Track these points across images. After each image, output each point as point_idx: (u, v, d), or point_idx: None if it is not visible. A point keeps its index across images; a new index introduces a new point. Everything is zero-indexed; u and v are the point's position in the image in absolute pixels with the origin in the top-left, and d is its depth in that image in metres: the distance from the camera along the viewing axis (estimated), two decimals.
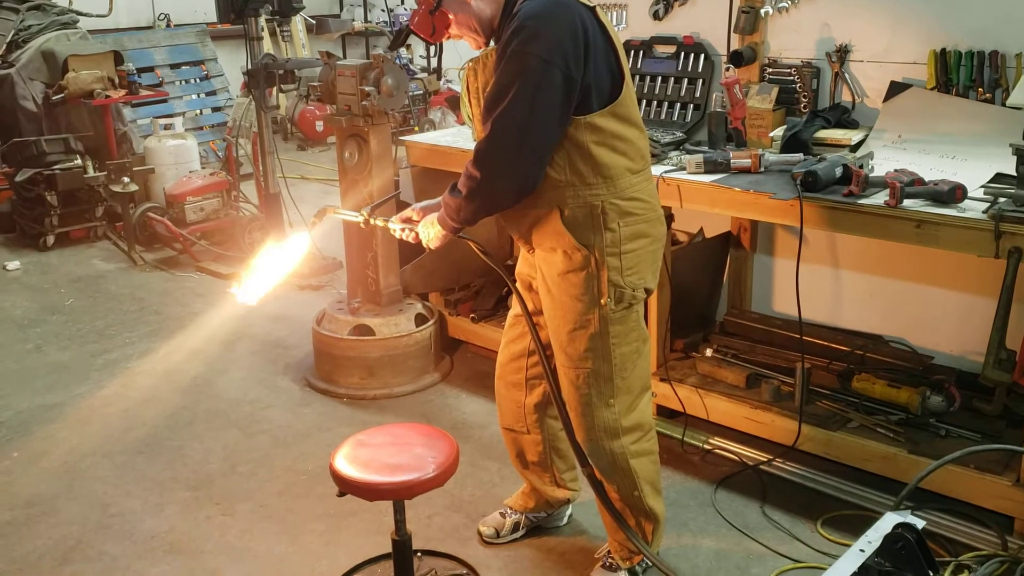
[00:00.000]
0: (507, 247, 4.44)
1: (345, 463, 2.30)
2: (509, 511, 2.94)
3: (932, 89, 3.17)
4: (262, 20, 5.64)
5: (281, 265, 2.77)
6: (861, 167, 2.86)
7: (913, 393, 3.07)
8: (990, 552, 2.67)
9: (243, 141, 6.41)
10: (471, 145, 2.36)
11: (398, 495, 2.30)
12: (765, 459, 3.24)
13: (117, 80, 6.31)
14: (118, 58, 6.48)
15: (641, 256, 2.37)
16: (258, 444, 3.56)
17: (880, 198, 2.72)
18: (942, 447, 2.90)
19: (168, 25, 9.11)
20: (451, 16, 2.37)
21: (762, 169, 3.11)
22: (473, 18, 2.34)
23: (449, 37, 2.45)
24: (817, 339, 3.52)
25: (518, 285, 2.64)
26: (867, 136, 3.23)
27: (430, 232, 2.49)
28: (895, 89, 3.24)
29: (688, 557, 2.79)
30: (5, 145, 6.20)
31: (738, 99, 3.39)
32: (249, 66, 5.31)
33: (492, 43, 2.40)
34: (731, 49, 3.65)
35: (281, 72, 5.27)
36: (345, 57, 9.10)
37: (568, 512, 2.99)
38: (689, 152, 3.33)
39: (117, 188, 5.79)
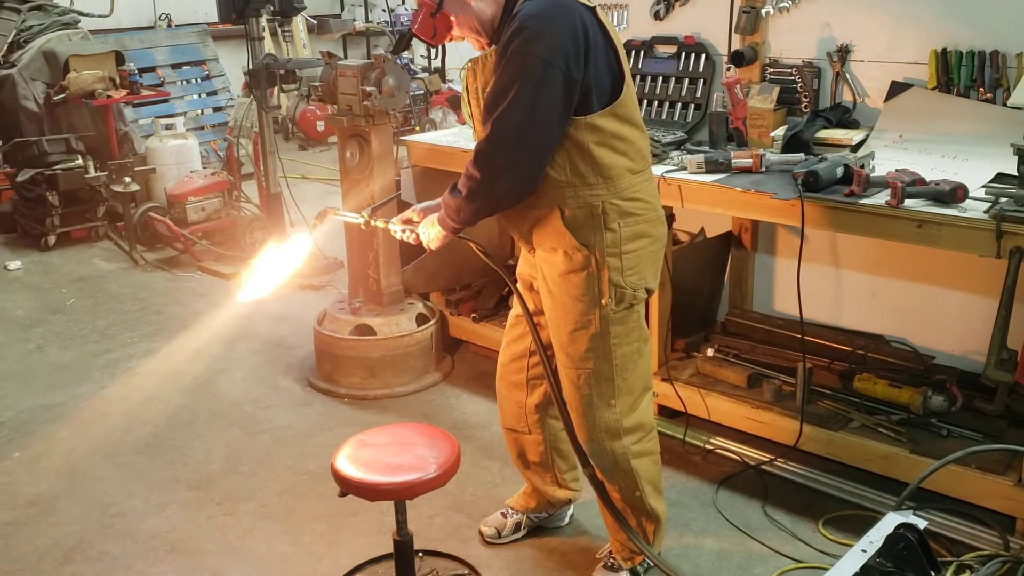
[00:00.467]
0: (508, 247, 4.44)
1: (346, 463, 2.30)
2: (510, 511, 2.94)
3: (933, 89, 3.17)
4: (263, 20, 5.65)
5: (283, 265, 2.78)
6: (862, 167, 2.85)
7: (915, 393, 3.06)
8: (992, 552, 2.66)
9: (244, 141, 6.42)
10: (472, 145, 2.35)
11: (399, 495, 2.30)
12: (766, 459, 3.24)
13: (118, 80, 6.31)
14: (119, 58, 6.48)
15: (642, 256, 2.36)
16: (259, 444, 3.56)
17: (881, 198, 2.72)
18: (944, 447, 2.89)
19: (169, 25, 9.12)
20: (452, 18, 2.37)
21: (763, 169, 3.10)
22: (474, 19, 2.34)
23: (451, 39, 2.45)
24: (818, 339, 3.52)
25: (519, 285, 2.64)
26: (868, 136, 3.23)
27: (431, 233, 2.49)
28: (896, 89, 3.24)
29: (690, 557, 2.79)
30: (7, 145, 6.21)
31: (739, 99, 3.39)
32: (250, 66, 5.32)
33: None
34: (732, 49, 3.64)
35: (282, 72, 5.28)
36: (346, 57, 9.09)
37: (569, 512, 2.99)
38: (690, 152, 3.33)
39: (118, 188, 5.79)
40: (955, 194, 2.61)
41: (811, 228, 2.87)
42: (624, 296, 2.35)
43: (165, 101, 7.58)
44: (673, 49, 3.87)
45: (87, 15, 7.22)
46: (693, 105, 3.80)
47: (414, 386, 3.97)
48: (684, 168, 3.21)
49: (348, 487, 2.29)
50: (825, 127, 3.30)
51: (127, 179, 5.78)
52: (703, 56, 3.78)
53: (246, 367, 4.26)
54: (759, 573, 2.72)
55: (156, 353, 4.44)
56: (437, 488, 2.30)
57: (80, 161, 6.03)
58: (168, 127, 6.57)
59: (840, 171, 2.85)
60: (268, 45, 8.44)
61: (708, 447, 3.37)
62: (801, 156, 3.14)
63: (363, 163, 3.95)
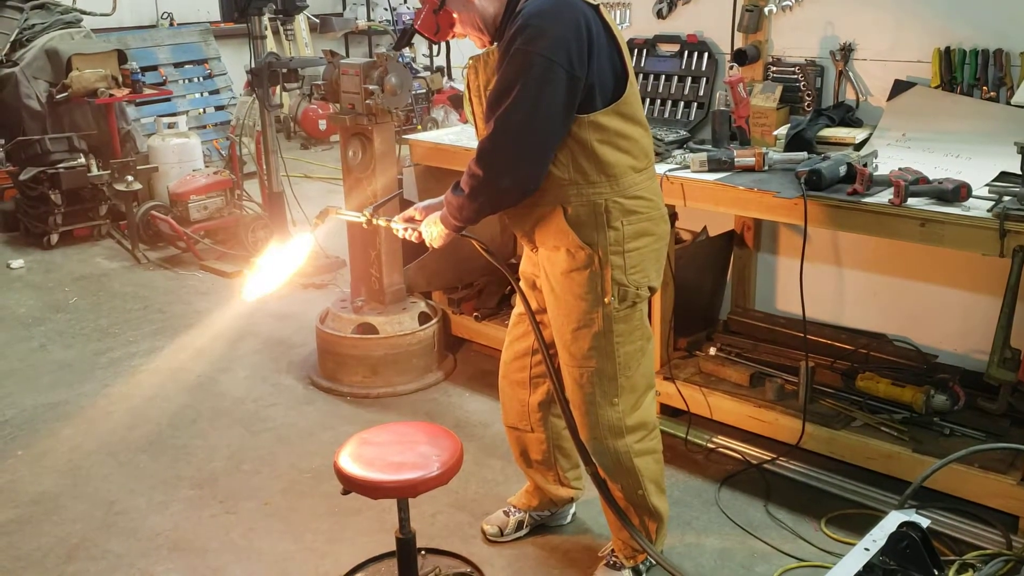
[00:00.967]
0: (510, 245, 4.44)
1: (349, 461, 2.30)
2: (513, 509, 2.94)
3: (936, 87, 3.16)
4: (265, 19, 5.65)
5: (285, 264, 2.78)
6: (865, 165, 2.85)
7: (917, 392, 3.06)
8: (995, 551, 2.67)
9: (246, 140, 6.43)
10: (474, 143, 2.35)
11: (402, 493, 2.30)
12: (769, 458, 3.24)
13: (121, 79, 6.32)
14: (122, 57, 6.48)
15: (645, 254, 2.36)
16: (262, 442, 3.57)
17: (884, 197, 2.72)
18: (946, 446, 2.89)
19: (171, 24, 9.11)
20: (455, 15, 2.37)
21: (766, 168, 3.10)
22: (477, 16, 2.33)
23: (454, 36, 2.45)
24: (821, 338, 3.51)
25: (522, 284, 2.64)
26: (871, 134, 3.22)
27: (433, 231, 2.49)
28: (899, 87, 3.23)
29: (692, 556, 2.79)
30: (9, 144, 6.22)
31: (742, 97, 3.38)
32: (252, 65, 5.32)
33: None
34: (735, 47, 3.64)
35: (284, 71, 5.28)
36: (348, 56, 9.10)
37: (572, 510, 2.99)
38: (693, 150, 3.33)
39: (121, 187, 5.80)
40: (958, 193, 2.61)
41: (814, 227, 2.86)
42: (627, 294, 2.35)
43: (167, 100, 7.59)
44: (676, 47, 3.86)
45: (89, 14, 7.22)
46: (696, 104, 3.80)
47: (416, 385, 3.97)
48: (687, 166, 3.20)
49: (351, 485, 2.29)
50: (828, 126, 3.30)
51: (129, 178, 5.79)
52: (706, 54, 3.78)
53: (249, 366, 4.27)
54: (761, 572, 2.72)
55: (159, 352, 4.44)
56: (439, 486, 2.31)
57: (82, 160, 6.03)
58: (170, 126, 6.58)
59: (843, 170, 2.84)
60: (270, 44, 8.44)
61: (710, 446, 3.37)
62: (804, 155, 3.14)
63: (365, 162, 3.95)
